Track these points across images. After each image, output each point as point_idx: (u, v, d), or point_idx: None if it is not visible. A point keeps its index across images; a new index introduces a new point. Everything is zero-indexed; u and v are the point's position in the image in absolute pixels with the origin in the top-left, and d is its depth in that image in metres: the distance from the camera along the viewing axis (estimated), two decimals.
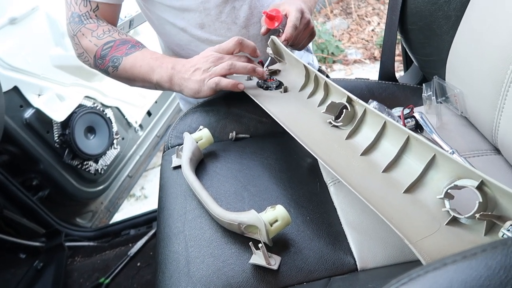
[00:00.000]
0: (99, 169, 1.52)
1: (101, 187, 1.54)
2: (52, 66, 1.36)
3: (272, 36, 0.86)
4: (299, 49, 0.93)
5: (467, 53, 0.68)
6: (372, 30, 3.37)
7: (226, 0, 0.88)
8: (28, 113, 1.27)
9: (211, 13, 0.89)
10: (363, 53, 3.14)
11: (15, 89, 1.24)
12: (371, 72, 2.84)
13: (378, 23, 3.41)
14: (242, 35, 0.89)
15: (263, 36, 0.93)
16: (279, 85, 0.82)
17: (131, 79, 0.84)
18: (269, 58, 0.89)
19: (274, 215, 0.54)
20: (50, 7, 1.32)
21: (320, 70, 1.18)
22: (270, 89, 0.81)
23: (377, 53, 3.04)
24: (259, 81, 0.83)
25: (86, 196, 1.46)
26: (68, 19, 0.86)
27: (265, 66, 0.88)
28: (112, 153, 1.58)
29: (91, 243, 1.36)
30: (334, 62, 3.08)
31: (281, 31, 0.86)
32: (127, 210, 1.93)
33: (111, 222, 1.58)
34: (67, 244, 1.32)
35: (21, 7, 1.24)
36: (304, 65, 0.78)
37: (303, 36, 0.88)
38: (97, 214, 1.55)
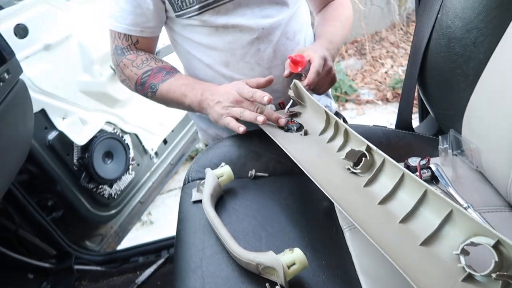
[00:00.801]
0: (113, 194, 1.55)
1: (113, 212, 1.56)
2: (78, 91, 1.41)
3: (295, 80, 0.90)
4: (319, 94, 0.97)
5: (484, 110, 0.71)
6: (386, 72, 3.44)
7: (251, 42, 0.92)
8: (52, 135, 1.32)
9: (236, 53, 0.94)
10: (375, 94, 3.20)
11: (42, 111, 1.29)
12: (382, 113, 2.89)
13: (392, 66, 3.48)
14: (264, 76, 0.94)
15: (285, 78, 0.97)
16: (300, 127, 0.85)
17: (167, 102, 0.95)
18: (291, 100, 0.92)
19: (292, 258, 0.56)
20: (83, 36, 1.39)
21: (337, 113, 1.21)
22: (290, 131, 0.84)
23: (389, 95, 3.10)
24: None
25: (98, 219, 1.48)
26: (112, 51, 0.96)
27: (286, 108, 0.91)
28: (126, 179, 1.61)
29: (99, 268, 1.37)
30: (346, 101, 3.13)
31: (304, 75, 0.90)
32: (132, 235, 1.94)
33: (119, 247, 1.59)
34: (75, 267, 1.33)
35: (56, 35, 1.31)
36: (325, 111, 0.81)
37: (324, 82, 0.92)
38: (106, 238, 1.56)
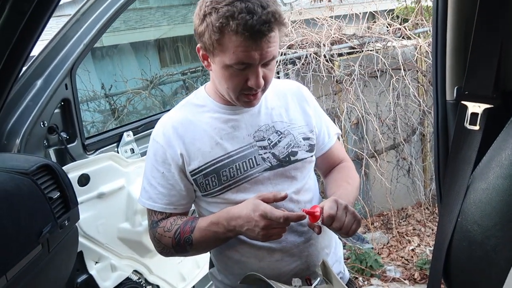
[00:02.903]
0: None
1: None
2: (116, 238, 1.50)
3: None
4: (350, 236, 0.96)
5: None
6: (412, 250, 3.39)
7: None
8: (81, 278, 1.36)
9: None
10: (402, 272, 3.10)
11: (79, 253, 1.36)
12: None
13: (419, 244, 3.45)
14: (280, 241, 0.98)
15: (299, 242, 1.02)
16: None
17: (205, 247, 1.04)
18: (318, 278, 0.96)
19: None
20: (133, 188, 1.55)
21: (350, 281, 1.20)
22: None
23: (417, 275, 2.99)
24: None
25: None
26: (149, 226, 1.06)
27: (313, 285, 0.94)
28: None
29: None
30: (372, 275, 3.03)
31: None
32: None
33: None
34: None
35: (111, 185, 1.48)
36: None
37: (347, 221, 0.93)
38: None
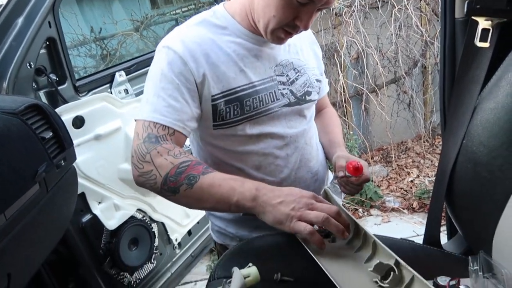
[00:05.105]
0: (132, 282, 1.54)
1: None
2: (117, 178, 1.50)
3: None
4: (354, 194, 1.04)
5: None
6: (411, 181, 3.45)
7: (281, 148, 1.02)
8: (86, 218, 1.38)
9: (268, 158, 1.01)
10: (401, 202, 3.18)
11: (82, 194, 1.37)
12: (409, 223, 2.84)
13: (418, 176, 3.50)
14: (291, 176, 1.03)
15: (307, 177, 1.06)
16: (328, 234, 0.87)
17: (204, 199, 0.83)
18: None
19: None
20: (130, 129, 1.52)
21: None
22: None
23: (415, 205, 3.07)
24: None
25: None
26: (142, 139, 0.87)
27: None
28: (147, 267, 1.60)
29: None
30: (371, 207, 3.11)
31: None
32: None
33: None
34: None
35: (107, 127, 1.45)
36: (354, 220, 0.84)
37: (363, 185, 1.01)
38: None
